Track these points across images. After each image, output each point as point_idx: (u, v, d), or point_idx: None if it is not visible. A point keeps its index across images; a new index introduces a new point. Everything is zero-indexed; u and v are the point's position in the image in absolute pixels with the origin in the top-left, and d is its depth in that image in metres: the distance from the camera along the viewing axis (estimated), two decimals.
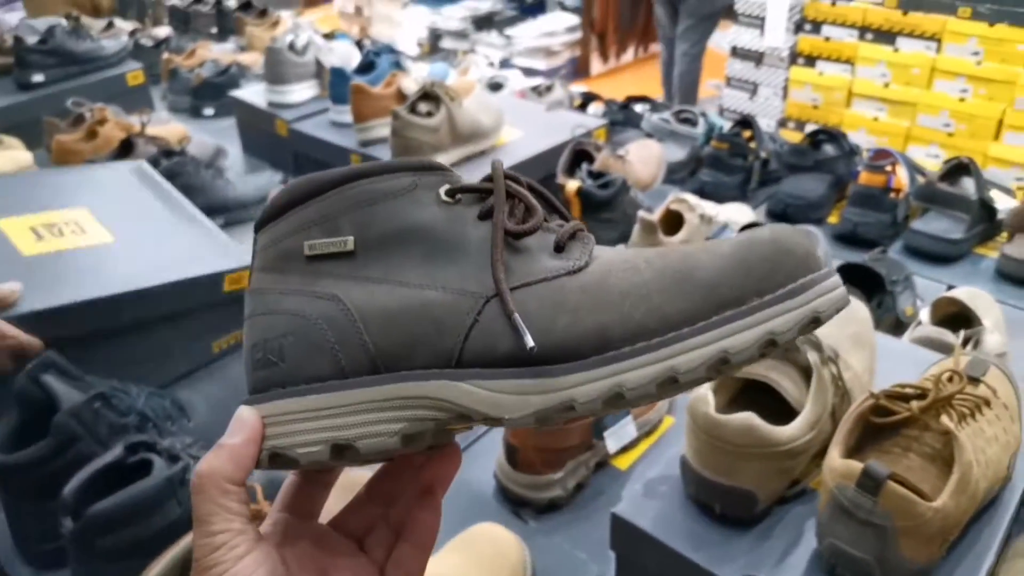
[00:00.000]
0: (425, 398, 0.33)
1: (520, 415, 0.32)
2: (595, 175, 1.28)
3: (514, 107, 1.62)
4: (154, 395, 0.85)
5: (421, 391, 0.33)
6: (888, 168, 1.29)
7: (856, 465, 0.56)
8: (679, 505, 0.68)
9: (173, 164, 1.33)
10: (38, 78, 1.70)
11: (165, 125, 1.68)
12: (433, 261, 0.34)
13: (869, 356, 0.75)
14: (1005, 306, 1.05)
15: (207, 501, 0.33)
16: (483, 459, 0.88)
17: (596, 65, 4.51)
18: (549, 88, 1.97)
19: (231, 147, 1.69)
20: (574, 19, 4.36)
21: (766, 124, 2.95)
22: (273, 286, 0.36)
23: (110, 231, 0.99)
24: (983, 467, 0.61)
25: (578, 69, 4.41)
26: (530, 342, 0.32)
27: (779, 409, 0.67)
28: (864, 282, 1.05)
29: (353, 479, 0.52)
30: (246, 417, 0.34)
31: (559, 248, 0.35)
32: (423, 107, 1.31)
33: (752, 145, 1.47)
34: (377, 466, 0.40)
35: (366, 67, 1.59)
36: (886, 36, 2.78)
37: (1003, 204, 1.29)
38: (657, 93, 3.02)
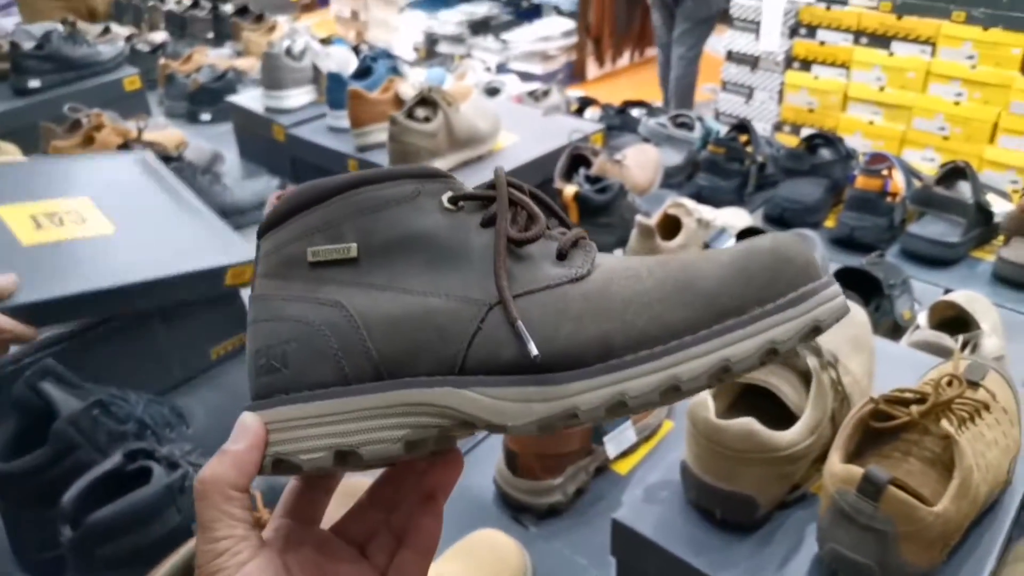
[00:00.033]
0: (428, 405, 0.33)
1: (523, 423, 0.32)
2: (592, 180, 1.28)
3: (511, 112, 1.63)
4: (153, 402, 0.85)
5: (424, 398, 0.33)
6: (884, 172, 1.30)
7: (857, 470, 0.56)
8: (679, 510, 0.68)
9: (170, 169, 1.32)
10: (34, 84, 1.70)
11: (162, 131, 1.67)
12: (436, 268, 0.35)
13: (868, 360, 0.76)
14: (1002, 309, 1.05)
15: (210, 507, 0.33)
16: (483, 465, 0.88)
17: (592, 69, 4.52)
18: (546, 93, 1.97)
19: (228, 152, 1.69)
20: (570, 23, 4.37)
21: (762, 128, 2.97)
22: (276, 292, 0.36)
23: (111, 221, 0.97)
24: (983, 471, 0.61)
25: (574, 73, 4.42)
26: (534, 350, 0.32)
27: (779, 414, 0.67)
28: (862, 286, 1.05)
29: (353, 486, 0.52)
30: (249, 423, 0.34)
31: (561, 256, 0.35)
32: (420, 112, 1.31)
33: (749, 149, 1.47)
34: (378, 472, 0.40)
35: (363, 72, 1.59)
36: (881, 40, 2.79)
37: (999, 208, 1.30)
38: (653, 97, 3.03)
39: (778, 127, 3.12)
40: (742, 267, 0.32)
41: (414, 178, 0.36)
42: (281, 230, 0.36)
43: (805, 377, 0.68)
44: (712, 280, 0.32)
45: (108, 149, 1.39)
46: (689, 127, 1.62)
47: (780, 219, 1.38)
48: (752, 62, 3.15)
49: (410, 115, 1.30)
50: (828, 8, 2.89)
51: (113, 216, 0.98)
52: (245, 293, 1.06)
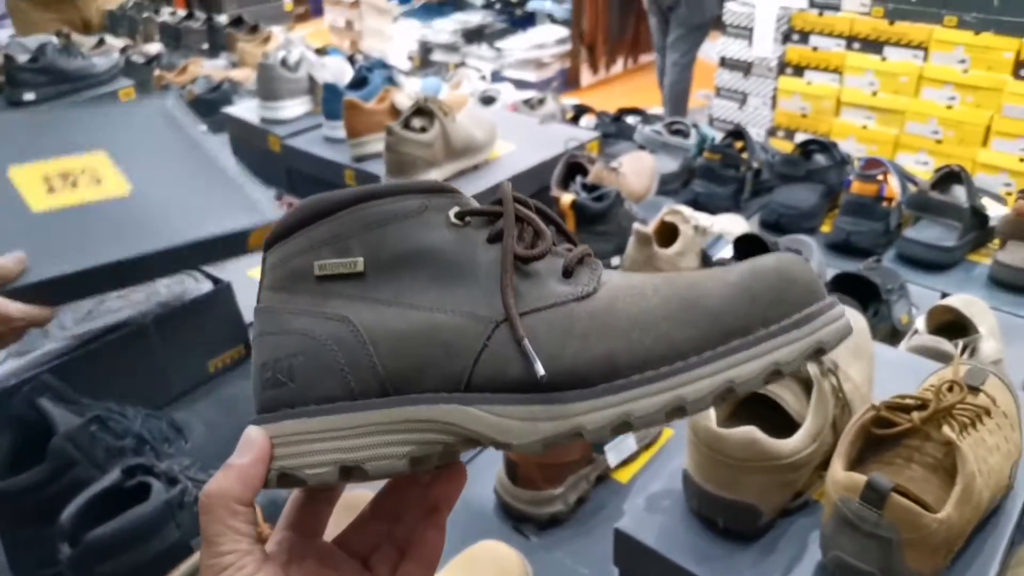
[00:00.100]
0: (434, 422, 0.33)
1: (528, 441, 0.32)
2: (589, 188, 1.28)
3: (507, 121, 1.63)
4: (151, 417, 0.84)
5: (430, 415, 0.33)
6: (880, 177, 1.30)
7: (860, 478, 0.56)
8: (682, 519, 0.68)
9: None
10: (29, 96, 1.70)
11: None
12: (443, 284, 0.34)
13: (868, 366, 0.76)
14: (1000, 313, 1.05)
15: (215, 521, 0.33)
16: (483, 475, 0.87)
17: (586, 76, 4.54)
18: (541, 101, 1.98)
19: None
20: (564, 31, 4.39)
21: (755, 133, 2.97)
22: (283, 305, 0.36)
23: (128, 180, 0.90)
24: (985, 477, 0.61)
25: (568, 80, 4.44)
26: (540, 370, 0.32)
27: (780, 422, 0.67)
28: (859, 291, 1.05)
29: (354, 498, 0.51)
30: (255, 437, 0.34)
31: (567, 273, 0.35)
32: (417, 122, 1.31)
33: (744, 156, 1.48)
34: (382, 483, 0.39)
35: (359, 82, 1.59)
36: (873, 45, 2.81)
37: (994, 211, 1.31)
38: (647, 104, 3.04)
39: (772, 132, 3.13)
40: (747, 287, 0.32)
41: (421, 193, 0.36)
42: (288, 243, 0.36)
43: (806, 385, 0.68)
44: (717, 299, 0.32)
45: None
46: (684, 134, 1.62)
47: (776, 225, 1.38)
48: (745, 68, 3.17)
49: (406, 125, 1.30)
50: (821, 14, 2.90)
51: (130, 174, 0.91)
52: (242, 302, 1.05)
